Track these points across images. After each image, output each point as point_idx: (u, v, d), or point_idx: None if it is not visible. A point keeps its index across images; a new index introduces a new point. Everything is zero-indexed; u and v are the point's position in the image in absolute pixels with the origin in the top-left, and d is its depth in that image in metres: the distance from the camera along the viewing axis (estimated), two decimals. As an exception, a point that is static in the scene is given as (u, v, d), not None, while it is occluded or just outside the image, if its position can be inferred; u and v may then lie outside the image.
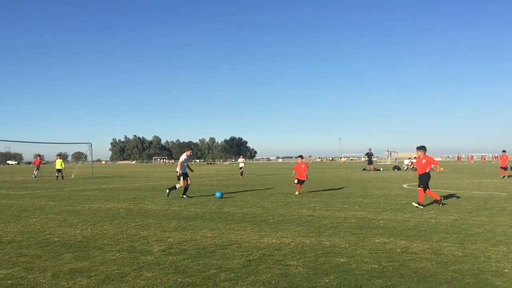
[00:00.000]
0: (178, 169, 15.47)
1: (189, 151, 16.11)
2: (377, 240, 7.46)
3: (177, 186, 15.63)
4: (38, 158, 37.77)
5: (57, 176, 31.46)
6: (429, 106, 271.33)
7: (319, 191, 17.99)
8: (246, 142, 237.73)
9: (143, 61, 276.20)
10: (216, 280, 5.20)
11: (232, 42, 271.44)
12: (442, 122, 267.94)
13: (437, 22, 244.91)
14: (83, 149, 46.38)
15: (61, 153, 33.31)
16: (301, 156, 18.01)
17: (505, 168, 27.82)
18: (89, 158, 39.94)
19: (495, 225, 8.86)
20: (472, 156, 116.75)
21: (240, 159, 34.37)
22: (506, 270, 5.50)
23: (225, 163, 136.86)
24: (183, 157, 15.78)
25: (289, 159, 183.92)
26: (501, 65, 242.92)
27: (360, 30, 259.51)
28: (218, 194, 15.52)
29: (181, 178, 15.52)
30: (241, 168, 33.15)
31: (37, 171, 35.94)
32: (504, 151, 30.16)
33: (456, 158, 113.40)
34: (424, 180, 12.40)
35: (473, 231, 8.26)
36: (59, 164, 31.72)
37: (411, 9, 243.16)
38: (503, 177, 27.13)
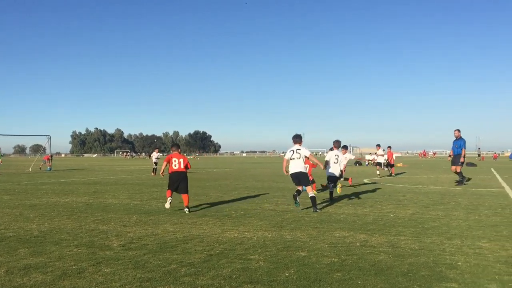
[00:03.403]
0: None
1: (298, 142, 10.93)
2: (337, 234, 7.58)
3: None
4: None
5: None
6: (390, 103, 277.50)
7: (282, 185, 18.10)
8: (210, 136, 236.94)
9: (106, 53, 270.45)
10: (177, 275, 5.16)
11: (196, 36, 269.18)
12: (406, 118, 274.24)
13: (401, 19, 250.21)
14: (42, 141, 45.11)
15: None
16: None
17: (391, 165, 26.86)
18: (48, 151, 38.84)
19: (450, 219, 9.15)
20: (425, 152, 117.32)
21: (154, 154, 29.28)
22: (459, 263, 5.68)
23: (189, 157, 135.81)
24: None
25: (253, 153, 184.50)
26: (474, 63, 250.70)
27: (326, 25, 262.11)
28: None
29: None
30: (155, 163, 28.37)
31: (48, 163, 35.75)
32: (389, 147, 28.77)
33: (421, 154, 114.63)
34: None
35: (429, 225, 8.51)
36: None
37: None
38: (389, 175, 25.72)
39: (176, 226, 8.48)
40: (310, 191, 10.70)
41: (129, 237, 7.42)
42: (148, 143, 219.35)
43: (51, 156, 37.23)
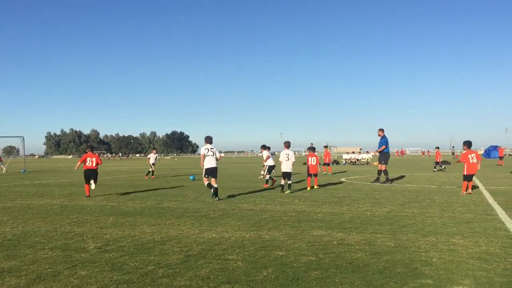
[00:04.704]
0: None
1: (210, 142, 13.13)
2: (315, 233, 7.63)
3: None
4: None
5: None
6: (366, 103, 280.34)
7: (260, 185, 18.12)
8: (188, 137, 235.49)
9: (81, 53, 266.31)
10: (154, 277, 5.12)
11: (172, 35, 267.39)
12: (383, 118, 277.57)
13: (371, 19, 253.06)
14: (15, 143, 44.14)
15: None
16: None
17: (327, 164, 27.30)
18: (21, 153, 38.07)
19: (425, 217, 9.30)
20: (402, 150, 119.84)
21: (152, 155, 25.10)
22: (434, 259, 5.79)
23: (166, 157, 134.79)
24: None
25: (231, 153, 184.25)
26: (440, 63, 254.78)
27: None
28: (191, 177, 21.59)
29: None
30: (153, 165, 24.90)
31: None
32: (325, 146, 29.05)
33: (398, 153, 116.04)
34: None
35: (405, 222, 8.64)
36: None
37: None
38: (325, 173, 26.05)
39: (154, 227, 8.41)
40: (215, 183, 12.86)
41: (105, 239, 7.33)
42: (125, 144, 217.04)
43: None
